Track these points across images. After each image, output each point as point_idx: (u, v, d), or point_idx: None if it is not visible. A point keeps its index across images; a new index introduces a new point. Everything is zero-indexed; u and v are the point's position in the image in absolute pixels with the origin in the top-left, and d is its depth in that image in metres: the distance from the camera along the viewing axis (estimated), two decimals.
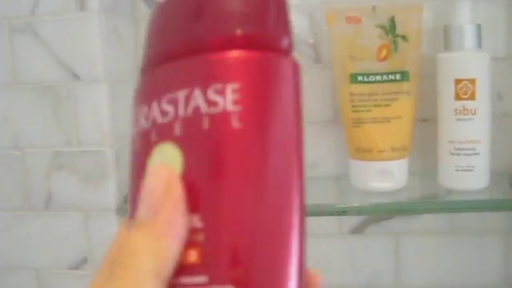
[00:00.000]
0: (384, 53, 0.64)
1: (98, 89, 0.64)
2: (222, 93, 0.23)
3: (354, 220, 0.75)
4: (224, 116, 0.23)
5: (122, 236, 0.23)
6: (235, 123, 0.23)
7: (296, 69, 0.25)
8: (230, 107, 0.23)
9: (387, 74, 0.64)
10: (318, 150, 0.74)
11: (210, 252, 0.22)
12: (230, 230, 0.22)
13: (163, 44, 0.26)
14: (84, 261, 0.68)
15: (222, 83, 0.23)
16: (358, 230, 0.76)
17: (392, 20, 0.63)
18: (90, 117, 0.65)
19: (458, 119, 0.62)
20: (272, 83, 0.24)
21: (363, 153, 0.65)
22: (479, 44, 0.62)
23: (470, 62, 0.63)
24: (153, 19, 0.27)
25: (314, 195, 0.70)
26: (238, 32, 0.24)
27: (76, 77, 0.64)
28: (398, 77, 0.64)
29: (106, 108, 0.64)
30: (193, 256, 0.22)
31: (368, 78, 0.64)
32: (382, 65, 0.64)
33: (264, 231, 0.23)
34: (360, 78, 0.64)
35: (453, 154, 0.63)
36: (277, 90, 0.24)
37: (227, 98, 0.23)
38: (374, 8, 0.65)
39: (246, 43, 0.24)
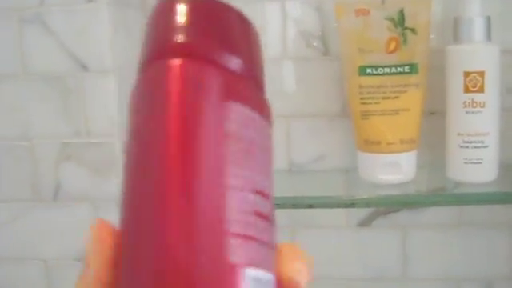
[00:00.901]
0: (393, 45, 0.64)
1: (107, 80, 0.64)
2: None
3: (361, 212, 0.75)
4: None
5: None
6: None
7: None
8: None
9: (396, 66, 0.64)
10: (327, 143, 0.74)
11: None
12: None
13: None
14: None
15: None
16: (365, 223, 0.76)
17: (401, 12, 0.63)
18: (99, 108, 0.65)
19: (466, 112, 0.62)
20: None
21: (372, 145, 0.65)
22: (488, 36, 0.62)
23: (479, 54, 0.63)
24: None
25: (322, 188, 0.70)
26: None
27: (85, 68, 0.64)
28: (406, 69, 0.64)
29: (115, 99, 0.65)
30: None
31: (377, 70, 0.64)
32: (391, 57, 0.64)
33: None
34: (369, 71, 0.64)
35: (461, 146, 0.63)
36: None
37: None
38: (382, 0, 0.64)
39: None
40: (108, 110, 0.65)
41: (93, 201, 0.67)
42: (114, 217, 0.71)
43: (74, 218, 0.68)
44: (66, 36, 0.64)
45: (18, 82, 0.66)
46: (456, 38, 0.63)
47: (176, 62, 0.24)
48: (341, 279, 0.78)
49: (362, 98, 0.65)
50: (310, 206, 0.63)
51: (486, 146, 0.62)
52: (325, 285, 0.75)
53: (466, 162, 0.63)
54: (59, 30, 0.64)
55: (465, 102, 0.62)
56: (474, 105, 0.62)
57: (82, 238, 0.70)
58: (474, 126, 0.62)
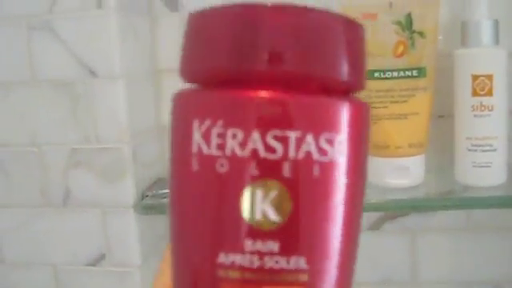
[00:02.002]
0: (401, 49, 0.64)
1: (115, 86, 0.64)
2: (330, 142, 0.24)
3: (370, 217, 0.75)
4: (332, 166, 0.24)
5: None
6: (341, 174, 0.24)
7: (368, 111, 0.27)
8: (337, 158, 0.24)
9: (404, 70, 0.64)
10: None
11: None
12: (329, 270, 0.25)
13: (235, 59, 0.25)
14: (102, 257, 0.68)
15: (330, 132, 0.24)
16: (374, 227, 0.76)
17: (409, 16, 0.63)
18: (108, 114, 0.65)
19: (475, 115, 0.62)
20: (364, 133, 0.26)
21: (380, 149, 0.65)
22: (496, 40, 0.62)
23: (487, 58, 0.63)
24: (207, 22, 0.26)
25: None
26: (338, 77, 0.25)
27: (93, 74, 0.64)
28: (414, 73, 0.64)
29: (123, 105, 0.65)
30: None
31: (385, 74, 0.64)
32: (399, 61, 0.64)
33: (350, 268, 0.27)
34: (377, 75, 0.64)
35: (470, 150, 0.63)
36: (366, 138, 0.26)
37: (335, 149, 0.24)
38: (390, 4, 0.64)
39: (345, 89, 0.25)
40: (117, 115, 0.65)
41: (102, 206, 0.67)
42: (122, 222, 0.71)
43: (83, 224, 0.68)
44: (74, 42, 0.64)
45: (27, 89, 0.66)
46: (464, 41, 0.63)
47: (352, 104, 0.25)
48: None
49: (370, 103, 0.64)
50: None
51: (495, 150, 0.62)
52: None
53: (474, 166, 0.63)
54: (68, 36, 0.64)
55: (473, 105, 0.62)
56: (483, 108, 0.62)
57: (91, 244, 0.71)
58: (482, 130, 0.62)
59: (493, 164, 0.62)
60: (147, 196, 0.68)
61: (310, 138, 0.24)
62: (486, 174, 0.63)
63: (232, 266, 0.24)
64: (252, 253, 0.24)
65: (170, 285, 0.27)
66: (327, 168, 0.24)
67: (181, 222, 0.26)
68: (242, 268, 0.24)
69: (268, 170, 0.24)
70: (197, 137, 0.24)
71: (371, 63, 0.64)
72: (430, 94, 0.65)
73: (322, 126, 0.24)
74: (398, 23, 0.63)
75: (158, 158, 0.75)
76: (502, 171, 0.63)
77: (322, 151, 0.24)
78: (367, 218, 0.76)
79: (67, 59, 0.65)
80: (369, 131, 0.26)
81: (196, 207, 0.25)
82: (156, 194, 0.68)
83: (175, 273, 0.27)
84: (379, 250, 0.77)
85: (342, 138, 0.24)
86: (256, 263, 0.24)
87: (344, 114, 0.24)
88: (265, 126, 0.23)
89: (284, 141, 0.23)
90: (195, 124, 0.24)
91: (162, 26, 0.75)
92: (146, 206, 0.67)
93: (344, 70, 0.25)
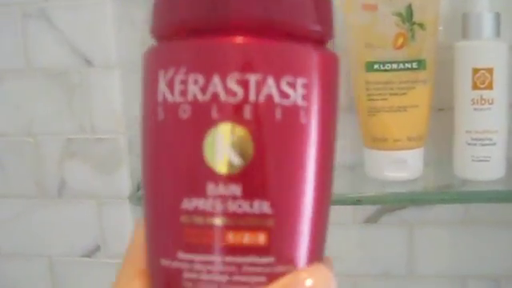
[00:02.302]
0: (401, 41, 0.63)
1: (111, 75, 0.64)
2: (293, 86, 0.24)
3: (368, 209, 0.75)
4: (295, 110, 0.24)
5: None
6: (303, 118, 0.25)
7: (337, 61, 0.27)
8: (300, 102, 0.24)
9: (404, 62, 0.63)
10: None
11: (279, 235, 0.24)
12: (297, 217, 0.25)
13: (196, 10, 0.25)
14: (97, 249, 0.68)
15: (293, 76, 0.24)
16: (372, 220, 0.75)
17: (409, 8, 0.62)
18: (103, 104, 0.64)
19: (475, 109, 0.61)
20: (331, 81, 0.26)
21: (378, 142, 0.64)
22: (497, 33, 0.62)
23: (487, 51, 0.62)
24: None
25: None
26: (301, 24, 0.25)
27: (89, 63, 0.64)
28: (414, 65, 0.63)
29: (119, 95, 0.64)
30: (262, 239, 0.24)
31: (384, 66, 0.63)
32: (399, 53, 0.63)
33: (320, 216, 0.26)
34: (376, 67, 0.63)
35: (469, 144, 0.62)
36: (334, 87, 0.26)
37: (297, 92, 0.24)
38: None
39: (304, 35, 0.26)
40: (113, 105, 0.64)
41: (97, 197, 0.66)
42: (118, 213, 0.71)
43: (78, 215, 0.67)
44: (70, 31, 0.64)
45: (21, 78, 0.66)
46: (464, 34, 0.62)
47: (317, 49, 0.26)
48: (347, 276, 0.77)
49: (369, 95, 0.64)
50: None
51: (494, 144, 0.61)
52: None
53: (473, 160, 0.62)
54: (63, 25, 0.63)
55: (473, 98, 0.61)
56: (483, 102, 0.61)
57: (86, 235, 0.70)
58: (482, 124, 0.61)
59: (492, 158, 0.62)
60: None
61: (270, 81, 0.24)
62: (485, 168, 0.62)
63: (195, 212, 0.24)
64: (214, 197, 0.24)
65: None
66: (290, 111, 0.24)
67: (149, 171, 0.27)
68: (204, 213, 0.24)
69: (229, 114, 0.24)
70: (162, 86, 0.25)
71: (371, 55, 0.63)
72: (430, 86, 0.64)
73: (284, 69, 0.24)
74: (399, 15, 0.63)
75: None
76: (500, 165, 0.63)
77: (283, 94, 0.24)
78: (365, 211, 0.75)
79: (63, 48, 0.64)
80: (337, 81, 0.27)
81: (162, 155, 0.26)
82: None
83: (146, 222, 0.27)
84: (377, 243, 0.76)
85: (305, 82, 0.25)
86: (218, 207, 0.24)
87: (308, 59, 0.25)
88: (224, 69, 0.24)
89: (244, 84, 0.24)
90: (160, 74, 0.25)
91: None
92: (141, 197, 0.66)
93: (308, 18, 0.26)
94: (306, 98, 0.25)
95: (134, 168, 0.66)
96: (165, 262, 0.25)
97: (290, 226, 0.25)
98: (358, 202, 0.63)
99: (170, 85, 0.25)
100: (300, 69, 0.25)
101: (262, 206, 0.24)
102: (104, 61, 0.63)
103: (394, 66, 0.63)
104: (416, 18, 0.62)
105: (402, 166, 0.64)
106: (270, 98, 0.24)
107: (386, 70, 0.63)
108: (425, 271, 0.76)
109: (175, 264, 0.25)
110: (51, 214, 0.68)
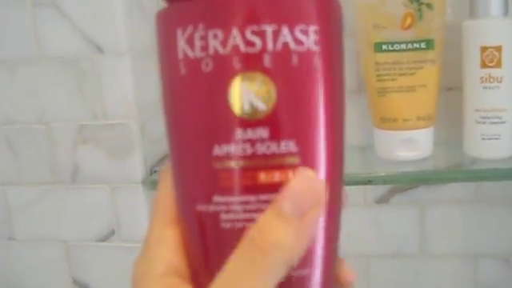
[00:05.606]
0: (408, 21, 0.63)
1: (122, 62, 0.64)
2: (305, 33, 0.26)
3: (379, 190, 0.75)
4: (309, 54, 0.27)
5: (268, 223, 0.25)
6: (317, 62, 0.27)
7: (340, 8, 0.29)
8: (313, 47, 0.27)
9: (412, 42, 0.63)
10: None
11: None
12: (318, 150, 0.27)
13: None
14: (112, 233, 0.69)
15: (305, 24, 0.27)
16: (383, 200, 0.76)
17: None
18: (115, 90, 0.65)
19: (483, 87, 0.62)
20: (337, 26, 0.29)
21: (388, 122, 0.65)
22: (505, 11, 0.61)
23: (495, 29, 0.62)
24: None
25: None
26: None
27: (100, 50, 0.64)
28: (422, 45, 0.63)
29: (130, 81, 0.65)
30: (291, 175, 0.26)
31: (393, 46, 0.63)
32: (407, 33, 0.63)
33: (337, 144, 0.28)
34: (384, 47, 0.64)
35: (478, 122, 0.62)
36: (340, 32, 0.29)
37: (310, 39, 0.27)
38: None
39: None
40: (124, 91, 0.65)
41: (111, 183, 0.67)
42: (131, 197, 0.71)
43: (92, 200, 0.68)
44: (80, 18, 0.64)
45: (33, 66, 0.66)
46: (472, 12, 0.62)
47: None
48: (359, 256, 0.78)
49: (378, 75, 0.64)
50: None
51: (504, 122, 0.62)
52: None
53: (483, 138, 0.62)
54: (73, 12, 0.64)
55: (482, 77, 0.61)
56: (491, 80, 0.61)
57: (100, 220, 0.71)
58: (491, 102, 0.62)
59: (501, 136, 0.62)
60: (156, 171, 0.68)
61: (285, 30, 0.26)
62: (495, 147, 0.62)
63: (227, 157, 0.26)
64: (244, 141, 0.26)
65: (171, 195, 0.29)
66: (305, 56, 0.27)
67: (175, 125, 0.28)
68: (236, 157, 0.26)
69: (250, 63, 0.26)
70: (181, 43, 0.27)
71: (379, 35, 0.63)
72: (439, 66, 0.64)
73: (296, 18, 0.26)
74: None
75: None
76: (510, 143, 0.63)
77: (298, 42, 0.26)
78: (376, 191, 0.76)
79: (73, 35, 0.64)
80: (342, 27, 0.29)
81: (188, 107, 0.27)
82: None
83: (175, 174, 0.29)
84: (388, 222, 0.77)
85: (316, 28, 0.27)
86: (249, 150, 0.26)
87: (317, 7, 0.27)
88: (242, 23, 0.26)
89: (262, 35, 0.26)
90: (179, 32, 0.27)
91: None
92: (154, 181, 0.67)
93: None
94: (317, 43, 0.27)
95: (146, 153, 0.67)
96: (201, 207, 0.27)
97: (314, 159, 0.27)
98: (369, 182, 0.64)
99: (190, 42, 0.26)
100: (311, 17, 0.27)
101: (288, 145, 0.26)
102: (115, 47, 0.64)
103: (403, 46, 0.63)
104: None
105: (412, 146, 0.65)
106: (286, 45, 0.26)
107: (394, 51, 0.64)
108: (436, 250, 0.77)
109: (212, 207, 0.26)
110: (65, 199, 0.69)
